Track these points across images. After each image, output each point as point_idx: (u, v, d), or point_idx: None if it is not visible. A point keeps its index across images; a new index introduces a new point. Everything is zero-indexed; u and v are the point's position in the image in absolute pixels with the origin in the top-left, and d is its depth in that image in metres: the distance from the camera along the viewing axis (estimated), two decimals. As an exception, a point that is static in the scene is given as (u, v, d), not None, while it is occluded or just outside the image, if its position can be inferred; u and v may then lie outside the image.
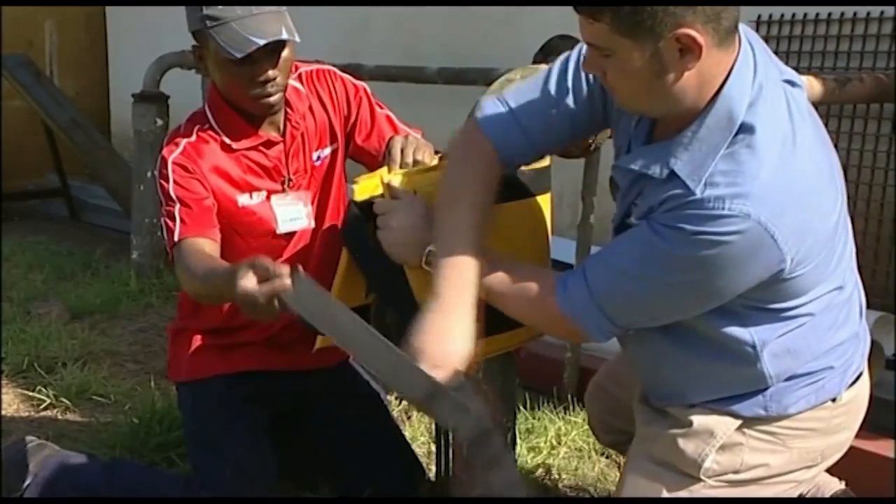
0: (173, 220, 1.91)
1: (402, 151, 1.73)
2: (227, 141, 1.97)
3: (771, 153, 1.32)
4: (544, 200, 1.76)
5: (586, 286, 1.44)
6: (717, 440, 1.51)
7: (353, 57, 3.94)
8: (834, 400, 1.54)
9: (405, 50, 4.21)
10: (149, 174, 4.19)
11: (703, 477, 1.53)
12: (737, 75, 1.34)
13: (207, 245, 1.90)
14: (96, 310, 3.79)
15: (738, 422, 1.52)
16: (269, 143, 2.01)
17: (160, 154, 1.97)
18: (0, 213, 5.32)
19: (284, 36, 1.82)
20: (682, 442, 1.53)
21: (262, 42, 1.80)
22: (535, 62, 1.83)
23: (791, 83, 1.44)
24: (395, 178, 1.63)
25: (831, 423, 1.56)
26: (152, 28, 5.86)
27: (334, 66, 2.16)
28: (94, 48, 6.56)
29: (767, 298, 1.41)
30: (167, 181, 1.93)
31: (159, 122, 4.19)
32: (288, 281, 1.43)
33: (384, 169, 1.71)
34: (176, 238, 1.89)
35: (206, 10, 1.83)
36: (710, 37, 1.28)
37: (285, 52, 1.88)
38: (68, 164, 5.74)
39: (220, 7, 1.82)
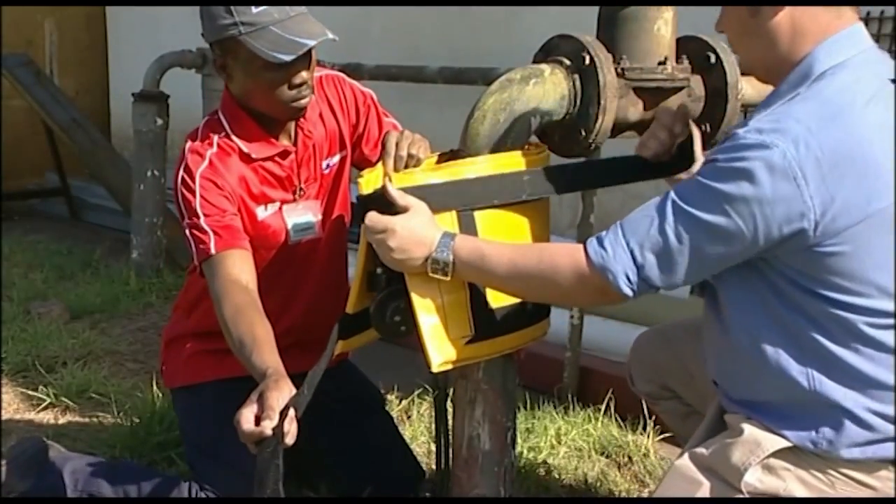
0: (204, 232, 1.85)
1: (397, 145, 1.72)
2: (246, 150, 1.94)
3: (827, 107, 1.35)
4: (544, 204, 1.76)
5: (620, 233, 1.44)
6: (763, 451, 1.46)
7: (353, 56, 3.93)
8: (894, 464, 1.44)
9: (405, 50, 4.21)
10: (149, 173, 4.19)
11: (743, 489, 1.47)
12: (833, 42, 1.41)
13: (241, 259, 1.85)
14: (96, 309, 3.79)
15: (788, 444, 1.46)
16: (285, 153, 1.98)
17: (183, 164, 1.90)
18: (0, 212, 5.31)
19: (330, 35, 1.81)
20: (729, 448, 1.49)
21: (311, 43, 1.79)
22: (535, 62, 1.82)
23: None
24: (397, 179, 1.63)
25: (887, 490, 1.45)
26: (152, 28, 5.86)
27: (334, 66, 2.16)
28: (94, 48, 6.56)
29: (806, 271, 1.37)
30: (193, 195, 1.87)
31: (159, 121, 4.19)
32: (269, 431, 1.49)
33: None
34: (212, 250, 1.84)
35: (238, 17, 1.78)
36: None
37: (314, 54, 1.87)
38: (68, 164, 5.74)
39: (254, 12, 1.78)
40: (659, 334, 1.95)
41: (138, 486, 2.06)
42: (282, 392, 1.52)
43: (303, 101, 1.89)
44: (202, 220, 1.85)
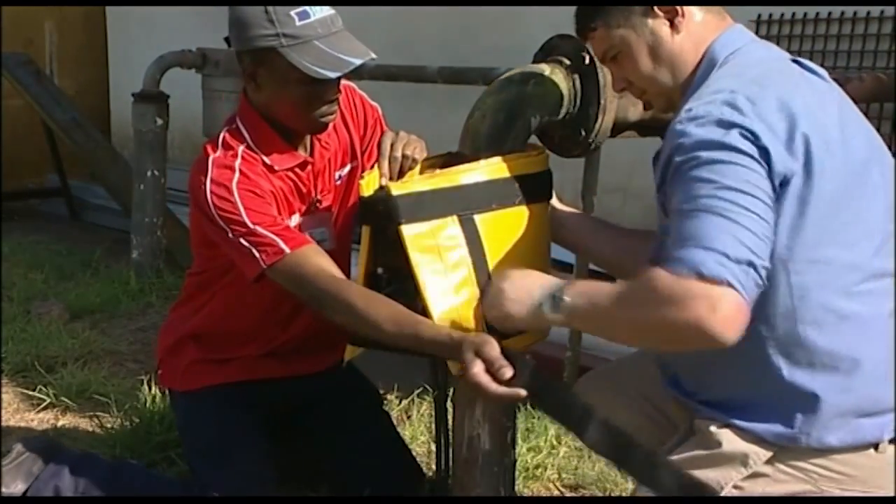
0: (264, 237, 1.77)
1: (391, 146, 1.72)
2: (268, 162, 1.90)
3: (743, 72, 1.41)
4: (543, 209, 1.76)
5: (683, 244, 1.31)
6: (746, 469, 1.43)
7: (353, 56, 3.93)
8: (876, 448, 1.42)
9: (405, 49, 4.21)
10: (149, 173, 4.19)
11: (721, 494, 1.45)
12: (725, 35, 1.49)
13: (320, 252, 1.79)
14: (96, 309, 3.79)
15: (769, 453, 1.43)
16: (304, 164, 1.96)
17: (209, 179, 1.83)
18: (0, 212, 5.32)
19: (372, 55, 1.79)
20: (707, 461, 1.45)
21: (357, 61, 1.76)
22: (535, 62, 1.82)
23: (799, 63, 1.48)
24: (395, 187, 1.63)
25: (872, 473, 1.42)
26: (152, 28, 5.86)
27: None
28: (94, 48, 6.56)
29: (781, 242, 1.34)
30: (236, 209, 1.79)
31: (159, 121, 4.19)
32: (509, 372, 1.46)
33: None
34: (286, 249, 1.75)
35: (280, 28, 1.74)
36: None
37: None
38: (68, 164, 5.74)
39: (297, 24, 1.74)
40: (605, 379, 1.87)
41: (138, 485, 2.06)
42: (491, 343, 1.49)
43: (331, 117, 1.88)
44: (259, 229, 1.78)
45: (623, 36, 1.50)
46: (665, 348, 1.54)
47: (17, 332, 3.35)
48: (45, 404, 2.81)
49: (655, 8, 1.47)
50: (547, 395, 1.49)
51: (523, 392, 1.47)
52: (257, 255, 1.77)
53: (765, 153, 1.32)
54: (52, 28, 6.42)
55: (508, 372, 1.47)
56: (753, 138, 1.32)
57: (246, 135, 1.91)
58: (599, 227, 1.84)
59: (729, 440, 1.45)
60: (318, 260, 1.77)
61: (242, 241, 1.79)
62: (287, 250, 1.76)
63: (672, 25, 1.48)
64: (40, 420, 2.74)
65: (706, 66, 1.48)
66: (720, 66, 1.46)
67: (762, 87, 1.37)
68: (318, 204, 2.01)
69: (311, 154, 1.98)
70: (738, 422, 1.45)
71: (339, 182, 2.05)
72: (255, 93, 1.89)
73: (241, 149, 1.88)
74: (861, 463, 1.43)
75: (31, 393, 2.87)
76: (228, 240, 1.81)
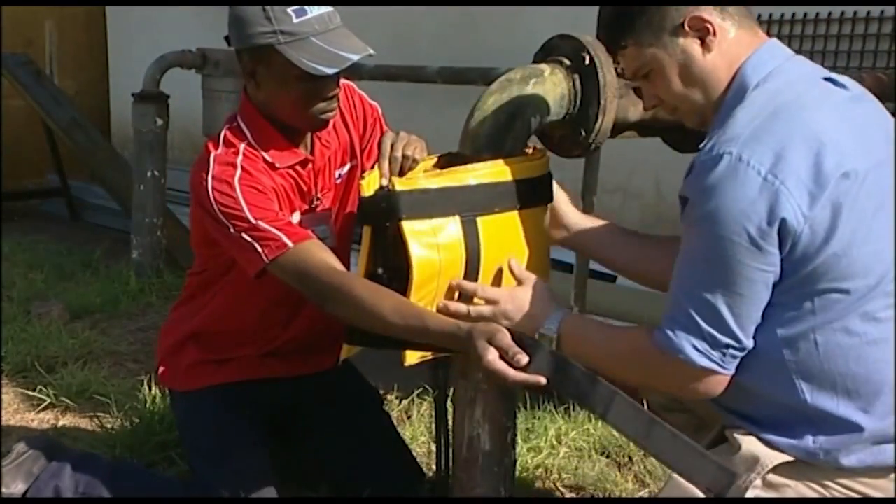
0: (266, 232, 1.77)
1: (392, 146, 1.72)
2: (269, 159, 1.90)
3: (768, 107, 1.38)
4: (544, 212, 1.76)
5: (673, 318, 1.43)
6: (761, 467, 1.44)
7: (353, 56, 3.93)
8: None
9: (404, 49, 4.21)
10: (149, 174, 4.19)
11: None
12: (757, 54, 1.45)
13: (322, 247, 1.79)
14: (96, 309, 3.79)
15: (787, 458, 1.44)
16: (305, 162, 1.96)
17: (211, 175, 1.82)
18: (0, 212, 5.32)
19: (370, 51, 1.79)
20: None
21: (355, 57, 1.76)
22: (535, 62, 1.82)
23: (833, 81, 1.47)
24: (399, 183, 1.63)
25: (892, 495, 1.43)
26: (152, 28, 5.87)
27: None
28: (94, 48, 6.57)
29: (800, 272, 1.36)
30: (238, 204, 1.79)
31: (159, 121, 4.19)
32: (525, 359, 1.48)
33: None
34: (289, 244, 1.75)
35: (278, 25, 1.74)
36: (718, 15, 1.44)
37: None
38: (68, 164, 5.74)
39: (294, 21, 1.75)
40: None
41: (138, 485, 2.06)
42: (502, 331, 1.51)
43: (331, 114, 1.88)
44: (261, 223, 1.77)
45: (654, 55, 1.48)
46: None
47: (17, 332, 3.35)
48: (45, 404, 2.81)
49: (686, 26, 1.44)
50: (566, 379, 1.48)
51: (543, 379, 1.48)
52: (259, 249, 1.77)
53: (783, 224, 1.33)
54: (52, 28, 6.42)
55: (524, 359, 1.48)
56: (769, 215, 1.32)
57: (247, 132, 1.91)
58: (613, 233, 1.85)
59: (748, 444, 1.46)
60: (321, 254, 1.76)
61: (244, 235, 1.78)
62: (290, 244, 1.75)
63: (703, 44, 1.45)
64: (40, 420, 2.74)
65: (737, 89, 1.44)
66: (753, 89, 1.42)
67: (789, 133, 1.35)
68: (318, 202, 2.01)
69: (312, 152, 1.98)
70: (765, 435, 1.46)
71: (339, 181, 2.05)
72: (255, 91, 1.89)
73: (242, 146, 1.88)
74: (883, 486, 1.44)
75: (31, 393, 2.86)
76: (230, 235, 1.81)
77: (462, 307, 1.61)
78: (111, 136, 6.20)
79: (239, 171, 1.83)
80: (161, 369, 2.21)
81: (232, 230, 1.80)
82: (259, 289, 1.89)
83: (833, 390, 1.41)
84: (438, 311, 1.63)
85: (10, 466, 2.14)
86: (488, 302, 1.61)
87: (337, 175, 2.05)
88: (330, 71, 1.76)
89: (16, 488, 2.11)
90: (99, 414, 2.74)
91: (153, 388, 2.68)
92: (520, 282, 1.64)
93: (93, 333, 3.46)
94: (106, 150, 5.29)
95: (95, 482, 2.07)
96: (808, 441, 1.43)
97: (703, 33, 1.44)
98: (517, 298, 1.61)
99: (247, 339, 2.09)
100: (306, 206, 1.99)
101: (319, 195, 2.01)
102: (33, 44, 6.25)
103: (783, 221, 1.32)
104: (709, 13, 1.43)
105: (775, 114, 1.38)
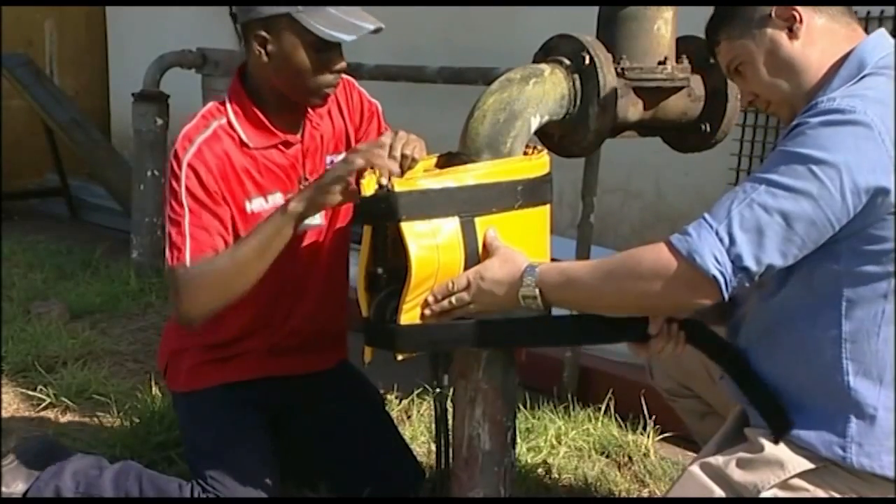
0: (181, 233, 1.85)
1: (391, 147, 1.72)
2: (245, 139, 1.93)
3: (888, 87, 1.37)
4: (543, 212, 1.76)
5: (703, 219, 1.37)
6: (785, 472, 1.42)
7: (352, 56, 3.92)
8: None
9: (405, 49, 4.21)
10: (149, 173, 4.19)
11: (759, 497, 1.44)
12: (871, 40, 1.46)
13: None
14: (96, 309, 3.79)
15: (812, 465, 1.42)
16: (288, 144, 1.98)
17: (173, 149, 1.90)
18: (0, 212, 5.32)
19: (381, 24, 1.85)
20: (748, 464, 1.45)
21: (370, 27, 1.82)
22: (535, 62, 1.82)
23: None
24: (399, 183, 1.62)
25: None
26: (152, 28, 5.86)
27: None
28: (94, 48, 6.56)
29: (874, 235, 1.35)
30: (179, 183, 1.86)
31: (159, 121, 4.19)
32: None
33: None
34: (187, 260, 1.83)
35: None
36: (810, 7, 1.47)
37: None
38: (68, 164, 5.74)
39: None
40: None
41: (138, 485, 2.06)
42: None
43: (331, 90, 1.92)
44: (185, 219, 1.85)
45: (743, 45, 1.51)
46: (635, 313, 1.56)
47: (17, 332, 3.35)
48: (45, 404, 2.81)
49: (773, 15, 1.48)
50: None
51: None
52: (167, 249, 1.86)
53: (879, 192, 1.32)
54: (52, 28, 6.42)
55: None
56: (871, 176, 1.31)
57: (229, 110, 1.95)
58: None
59: (772, 446, 1.45)
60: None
61: (168, 225, 1.87)
62: (187, 261, 1.83)
63: (791, 32, 1.48)
64: (40, 420, 2.74)
65: (854, 65, 1.44)
66: (870, 71, 1.42)
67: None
68: (306, 182, 2.01)
69: (302, 134, 2.00)
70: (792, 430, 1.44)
71: (330, 167, 2.06)
72: (259, 65, 1.89)
73: (214, 123, 1.93)
74: None
75: (31, 393, 2.86)
76: (165, 216, 1.88)
77: (444, 302, 1.61)
78: (111, 136, 6.20)
79: (193, 148, 1.88)
80: (164, 371, 2.21)
81: (168, 209, 1.88)
82: (259, 283, 1.91)
83: (879, 379, 1.39)
84: (429, 314, 1.63)
85: (10, 466, 2.14)
86: (462, 289, 1.59)
87: (329, 161, 2.06)
88: (347, 38, 1.80)
89: (16, 488, 2.11)
90: (99, 414, 2.74)
91: (153, 388, 2.68)
92: (488, 253, 1.61)
93: (93, 333, 3.46)
94: (106, 150, 5.30)
95: (95, 482, 2.08)
96: (840, 430, 1.40)
97: (791, 21, 1.47)
98: (487, 271, 1.58)
99: (247, 333, 2.09)
100: (294, 188, 2.00)
101: (308, 176, 2.02)
102: (33, 44, 6.25)
103: (882, 190, 1.32)
104: (799, 4, 1.47)
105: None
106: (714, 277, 1.33)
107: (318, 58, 1.84)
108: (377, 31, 1.84)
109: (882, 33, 1.49)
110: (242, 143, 1.93)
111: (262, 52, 1.87)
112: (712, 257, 1.33)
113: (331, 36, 1.79)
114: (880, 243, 1.35)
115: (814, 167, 1.32)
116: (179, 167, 1.87)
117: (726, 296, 1.35)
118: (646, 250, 1.42)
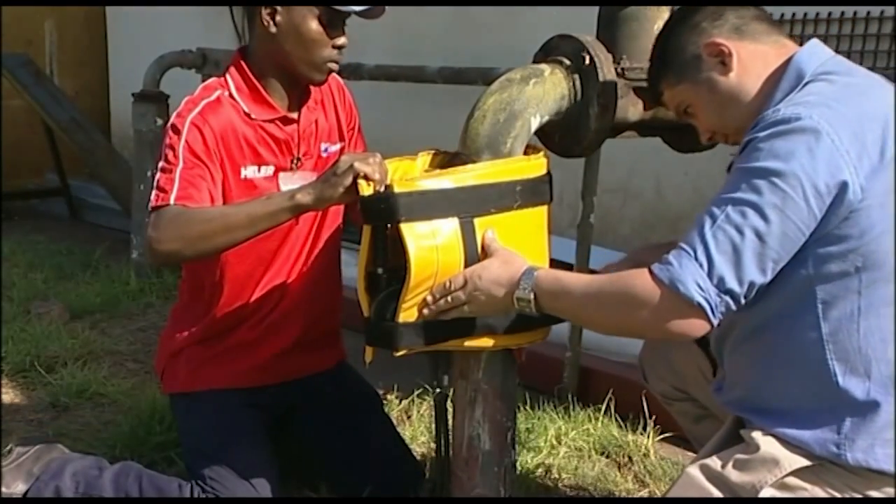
0: (171, 179, 1.86)
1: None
2: (247, 110, 1.98)
3: (830, 90, 1.40)
4: (542, 212, 1.75)
5: (681, 246, 1.38)
6: (781, 470, 1.42)
7: (353, 56, 3.93)
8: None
9: (405, 50, 4.21)
10: (149, 173, 4.19)
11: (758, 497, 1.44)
12: (805, 50, 1.48)
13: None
14: (96, 309, 3.80)
15: (807, 462, 1.42)
16: (286, 120, 2.02)
17: (177, 111, 1.94)
18: (0, 212, 5.32)
19: (385, 8, 1.92)
20: (744, 464, 1.45)
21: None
22: (535, 62, 1.82)
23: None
24: (399, 185, 1.62)
25: None
26: (152, 28, 5.86)
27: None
28: (94, 48, 6.56)
29: (837, 235, 1.36)
30: (179, 137, 1.89)
31: (159, 121, 4.19)
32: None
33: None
34: (171, 200, 1.84)
35: None
36: (727, 35, 1.51)
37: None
38: (68, 164, 5.74)
39: None
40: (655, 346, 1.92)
41: (138, 485, 2.06)
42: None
43: (335, 66, 1.96)
44: (178, 168, 1.87)
45: (683, 90, 1.55)
46: (624, 336, 1.58)
47: (17, 332, 3.35)
48: (45, 404, 2.81)
49: (703, 55, 1.51)
50: None
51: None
52: (153, 193, 1.89)
53: (842, 188, 1.33)
54: (52, 28, 6.42)
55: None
56: (830, 177, 1.33)
57: (230, 83, 1.99)
58: None
59: (767, 445, 1.45)
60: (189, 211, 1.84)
61: (158, 173, 1.90)
62: (172, 200, 1.84)
63: (723, 65, 1.50)
64: (40, 420, 2.74)
65: (792, 76, 1.46)
66: (810, 79, 1.44)
67: (858, 109, 1.38)
68: (300, 163, 2.05)
69: (299, 115, 2.03)
70: (783, 430, 1.45)
71: (325, 154, 2.10)
72: (265, 37, 1.94)
73: (218, 93, 1.97)
74: None
75: (31, 393, 2.86)
76: (156, 166, 1.92)
77: (441, 301, 1.61)
78: (111, 136, 6.20)
79: (198, 109, 1.92)
80: (162, 374, 2.21)
81: (162, 161, 1.90)
82: (249, 267, 1.98)
83: (867, 375, 1.39)
84: (427, 314, 1.62)
85: (10, 466, 2.14)
86: (459, 288, 1.59)
87: (324, 148, 2.09)
88: (358, 8, 1.87)
89: (16, 488, 2.11)
90: (99, 414, 2.74)
91: (153, 388, 2.68)
92: (486, 254, 1.62)
93: (93, 333, 3.46)
94: (106, 150, 5.30)
95: (95, 482, 2.08)
96: (835, 428, 1.40)
97: (721, 56, 1.50)
98: (485, 271, 1.58)
99: (239, 320, 2.10)
100: (287, 165, 2.03)
101: (301, 158, 2.05)
102: (33, 44, 6.26)
103: (843, 186, 1.33)
104: (717, 36, 1.50)
105: (843, 90, 1.41)
106: (699, 304, 1.35)
107: (324, 33, 1.90)
108: (383, 3, 1.92)
109: (815, 42, 1.51)
110: (244, 113, 1.98)
111: (271, 22, 1.92)
112: (695, 284, 1.35)
113: (343, 4, 1.85)
114: (844, 242, 1.36)
115: (774, 179, 1.34)
116: (182, 124, 1.90)
117: (715, 322, 1.36)
118: (633, 277, 1.42)
